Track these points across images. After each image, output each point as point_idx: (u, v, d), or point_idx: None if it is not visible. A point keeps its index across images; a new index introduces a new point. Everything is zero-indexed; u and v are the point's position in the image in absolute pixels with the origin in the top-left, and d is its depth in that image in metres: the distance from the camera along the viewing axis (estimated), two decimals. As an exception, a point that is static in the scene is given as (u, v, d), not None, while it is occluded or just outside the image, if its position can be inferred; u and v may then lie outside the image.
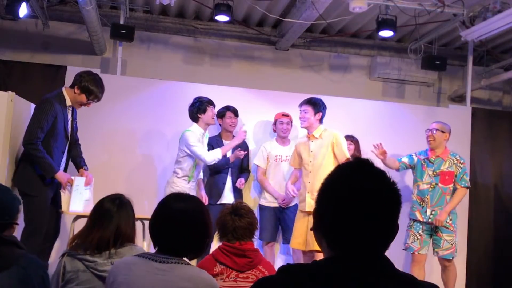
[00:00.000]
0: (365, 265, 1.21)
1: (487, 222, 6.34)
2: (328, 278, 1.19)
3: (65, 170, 4.34)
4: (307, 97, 4.80)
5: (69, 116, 4.25)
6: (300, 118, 4.73)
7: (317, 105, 4.69)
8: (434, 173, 4.86)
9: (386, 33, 5.47)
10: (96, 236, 2.48)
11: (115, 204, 2.56)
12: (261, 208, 5.20)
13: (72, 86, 4.22)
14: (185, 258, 2.13)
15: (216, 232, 2.94)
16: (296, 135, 5.56)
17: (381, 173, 1.23)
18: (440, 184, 4.82)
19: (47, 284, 2.21)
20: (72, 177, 4.19)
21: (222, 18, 5.39)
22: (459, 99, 6.77)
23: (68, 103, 4.19)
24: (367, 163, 1.24)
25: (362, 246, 1.22)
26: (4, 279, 2.07)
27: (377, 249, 1.24)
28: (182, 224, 2.10)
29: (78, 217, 4.07)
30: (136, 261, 2.10)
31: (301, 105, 4.76)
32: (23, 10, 4.75)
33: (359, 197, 1.20)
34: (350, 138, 5.29)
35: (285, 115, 5.27)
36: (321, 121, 4.73)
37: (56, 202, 4.19)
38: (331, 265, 1.22)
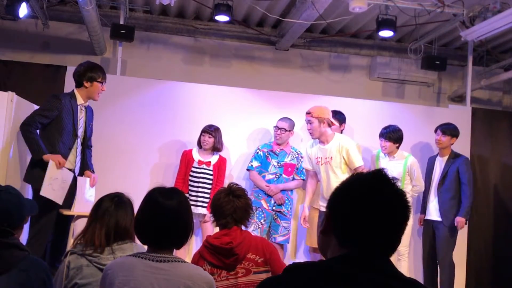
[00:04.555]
0: (376, 264, 1.25)
1: (487, 222, 6.33)
2: (339, 276, 1.20)
3: (80, 171, 4.33)
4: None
5: (81, 115, 4.27)
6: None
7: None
8: None
9: (386, 33, 5.46)
10: (97, 232, 2.49)
11: (114, 201, 2.59)
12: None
13: (79, 85, 4.26)
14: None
15: (211, 216, 2.94)
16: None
17: (396, 182, 1.33)
18: None
19: (48, 286, 2.21)
20: (73, 177, 4.19)
21: (222, 18, 5.38)
22: (459, 99, 6.76)
23: (80, 101, 4.24)
24: (384, 173, 1.33)
25: (374, 246, 1.27)
26: (4, 282, 2.07)
27: (386, 251, 1.30)
28: (175, 221, 2.15)
29: (78, 217, 4.06)
30: (133, 261, 2.10)
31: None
32: (23, 10, 4.74)
33: (379, 200, 1.28)
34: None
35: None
36: None
37: (68, 204, 4.17)
38: (344, 263, 1.24)
